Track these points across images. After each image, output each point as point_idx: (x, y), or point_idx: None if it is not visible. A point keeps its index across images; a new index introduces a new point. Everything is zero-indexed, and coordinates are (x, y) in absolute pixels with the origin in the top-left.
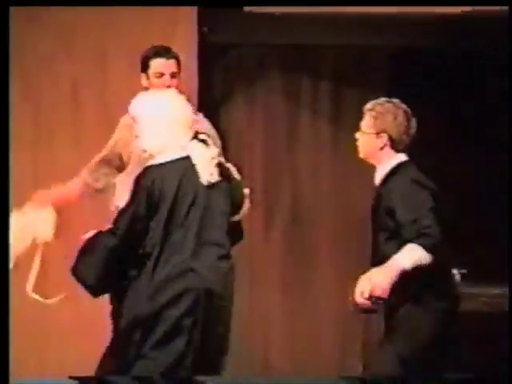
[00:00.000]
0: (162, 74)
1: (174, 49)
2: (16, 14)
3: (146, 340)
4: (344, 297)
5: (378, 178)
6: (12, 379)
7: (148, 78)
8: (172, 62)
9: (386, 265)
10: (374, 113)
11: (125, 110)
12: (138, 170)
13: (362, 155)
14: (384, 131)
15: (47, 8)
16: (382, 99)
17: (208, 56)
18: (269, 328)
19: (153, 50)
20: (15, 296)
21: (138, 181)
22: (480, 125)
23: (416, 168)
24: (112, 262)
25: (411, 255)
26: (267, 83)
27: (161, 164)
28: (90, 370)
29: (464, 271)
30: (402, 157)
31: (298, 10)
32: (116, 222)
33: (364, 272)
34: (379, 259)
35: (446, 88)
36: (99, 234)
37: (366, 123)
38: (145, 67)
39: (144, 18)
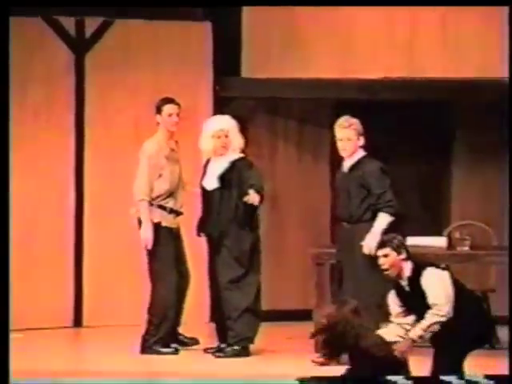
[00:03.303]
0: (171, 114)
1: (198, 99)
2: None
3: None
4: (306, 255)
5: (346, 166)
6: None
7: (161, 116)
8: (176, 106)
9: (371, 232)
10: (353, 126)
11: None
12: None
13: (344, 155)
14: (361, 135)
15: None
16: (345, 117)
17: (219, 105)
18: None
19: (165, 100)
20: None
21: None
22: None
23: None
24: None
25: (384, 220)
26: (256, 122)
27: None
28: None
29: None
30: (362, 151)
31: (276, 75)
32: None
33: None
34: (348, 214)
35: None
36: None
37: (349, 134)
38: (159, 110)
39: (179, 84)
